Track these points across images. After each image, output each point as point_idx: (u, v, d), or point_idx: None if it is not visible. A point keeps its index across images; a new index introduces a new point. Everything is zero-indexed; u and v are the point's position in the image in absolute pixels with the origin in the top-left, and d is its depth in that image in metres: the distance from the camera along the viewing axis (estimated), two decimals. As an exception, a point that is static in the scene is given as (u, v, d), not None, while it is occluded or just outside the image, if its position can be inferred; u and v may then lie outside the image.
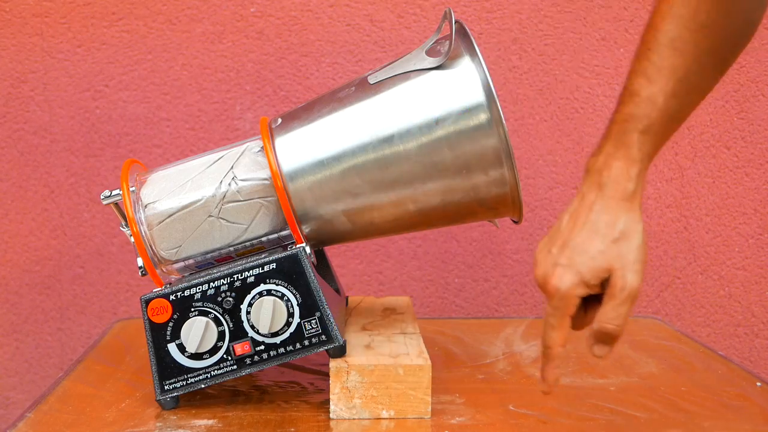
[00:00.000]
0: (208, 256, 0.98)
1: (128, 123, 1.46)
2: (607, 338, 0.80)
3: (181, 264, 0.98)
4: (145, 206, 0.96)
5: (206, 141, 1.47)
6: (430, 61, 0.95)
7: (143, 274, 0.96)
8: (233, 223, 0.96)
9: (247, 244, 0.98)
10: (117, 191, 0.97)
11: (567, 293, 0.80)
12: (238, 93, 1.46)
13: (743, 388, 1.04)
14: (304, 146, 0.95)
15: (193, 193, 0.96)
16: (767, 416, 0.96)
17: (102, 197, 0.97)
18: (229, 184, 0.96)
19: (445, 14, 0.98)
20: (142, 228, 0.96)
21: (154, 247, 0.97)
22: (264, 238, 0.98)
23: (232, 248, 0.97)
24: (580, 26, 1.47)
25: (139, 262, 0.96)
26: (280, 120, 0.99)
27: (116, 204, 0.97)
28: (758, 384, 1.05)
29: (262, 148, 0.98)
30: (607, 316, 0.79)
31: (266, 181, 0.96)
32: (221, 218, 0.96)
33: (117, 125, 1.46)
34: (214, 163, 0.98)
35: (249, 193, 0.96)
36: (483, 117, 0.92)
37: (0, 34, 1.44)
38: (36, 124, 1.46)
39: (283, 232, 0.97)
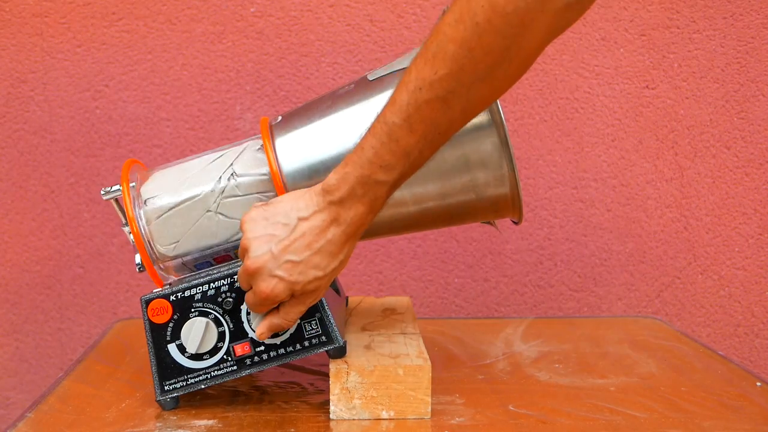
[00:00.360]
0: (207, 252, 0.98)
1: (128, 123, 1.46)
2: (278, 329, 0.91)
3: (179, 261, 0.98)
4: (145, 201, 0.96)
5: (206, 141, 1.47)
6: None
7: (141, 270, 0.97)
8: (231, 218, 0.96)
9: None
10: (117, 186, 0.97)
11: (274, 299, 0.88)
12: (238, 93, 1.46)
13: (743, 388, 1.04)
14: (304, 145, 0.95)
15: (193, 189, 0.96)
16: (767, 416, 0.96)
17: (102, 192, 0.97)
18: (228, 180, 0.96)
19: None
20: (140, 224, 0.96)
21: (152, 243, 0.97)
22: None
23: (230, 245, 0.97)
24: (580, 26, 1.47)
25: (137, 258, 0.97)
26: (280, 118, 0.99)
27: (116, 200, 0.98)
28: (758, 384, 1.05)
29: (262, 146, 0.98)
30: (290, 315, 0.90)
31: (265, 177, 0.96)
32: (219, 213, 0.96)
33: (117, 125, 1.46)
34: (213, 161, 0.98)
35: (247, 188, 0.96)
36: (483, 117, 0.92)
37: (0, 34, 1.44)
38: (36, 124, 1.46)
39: None
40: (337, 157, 0.94)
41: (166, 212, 0.96)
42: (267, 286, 0.86)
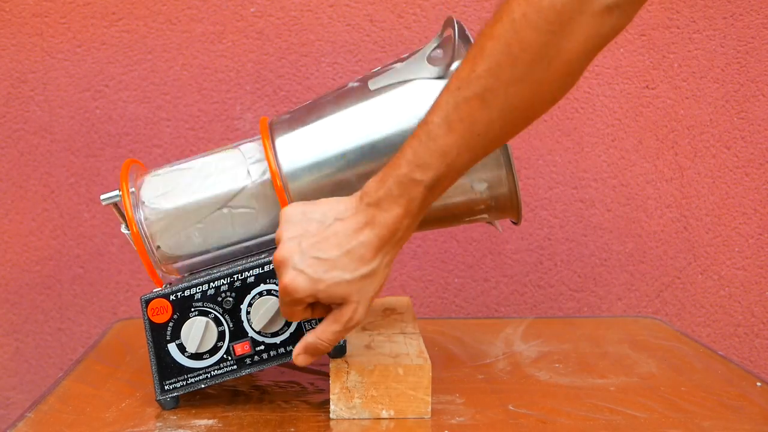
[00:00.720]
0: (209, 256, 0.98)
1: (128, 123, 1.46)
2: (315, 351, 0.87)
3: (180, 263, 0.98)
4: (145, 205, 0.96)
5: (206, 141, 1.47)
6: (431, 71, 0.95)
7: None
8: (242, 222, 0.96)
9: (251, 244, 0.98)
10: (116, 192, 0.96)
11: (297, 299, 0.84)
12: (238, 93, 1.46)
13: (743, 388, 1.04)
14: (305, 146, 0.95)
15: (195, 194, 0.96)
16: (767, 416, 0.96)
17: (102, 199, 0.97)
18: (238, 183, 0.96)
19: (447, 22, 0.98)
20: (142, 228, 0.96)
21: (153, 246, 0.97)
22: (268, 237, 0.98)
23: (237, 246, 0.97)
24: (580, 26, 1.47)
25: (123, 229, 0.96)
26: (280, 118, 0.99)
27: (116, 204, 0.97)
28: (758, 384, 1.05)
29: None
30: (324, 334, 0.86)
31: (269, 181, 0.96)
32: (230, 212, 0.96)
33: (117, 125, 1.46)
34: (217, 162, 0.98)
35: (257, 191, 0.96)
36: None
37: (0, 34, 1.44)
38: (36, 124, 1.46)
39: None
40: (338, 160, 0.94)
41: (169, 215, 0.96)
42: (287, 277, 0.84)
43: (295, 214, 0.86)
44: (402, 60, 0.99)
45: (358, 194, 0.85)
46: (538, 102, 0.80)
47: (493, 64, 0.77)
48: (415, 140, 0.82)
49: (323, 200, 0.87)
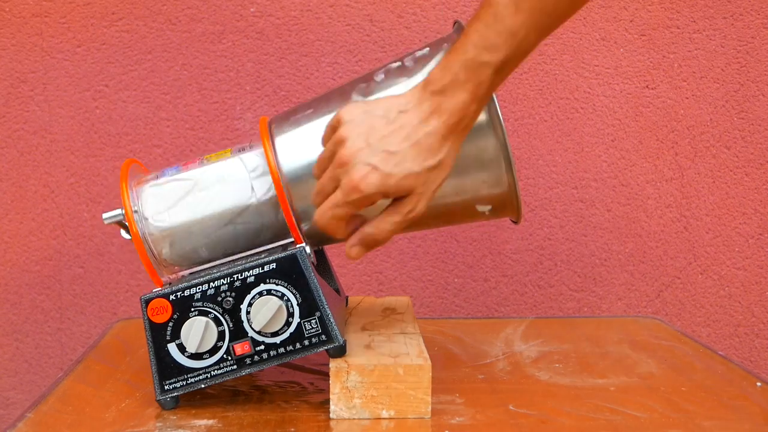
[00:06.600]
0: (215, 263, 0.98)
1: (128, 123, 1.46)
2: (372, 243, 0.85)
3: (185, 271, 0.98)
4: (149, 222, 0.96)
5: (206, 141, 1.47)
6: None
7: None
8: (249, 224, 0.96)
9: (260, 250, 0.98)
10: (119, 211, 0.96)
11: (366, 197, 0.82)
12: (238, 93, 1.46)
13: (743, 388, 1.04)
14: (305, 145, 0.95)
15: (199, 211, 0.96)
16: (767, 416, 0.96)
17: (105, 218, 0.96)
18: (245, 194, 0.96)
19: (456, 27, 0.97)
20: (147, 243, 0.96)
21: (159, 257, 0.97)
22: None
23: (243, 254, 0.97)
24: (580, 26, 1.47)
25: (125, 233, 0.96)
26: (280, 117, 0.99)
27: (119, 222, 0.97)
28: (758, 384, 1.05)
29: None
30: (384, 224, 0.84)
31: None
32: (235, 228, 0.96)
33: (117, 125, 1.46)
34: (218, 173, 0.98)
35: (262, 209, 0.96)
36: (482, 117, 0.91)
37: (0, 34, 1.44)
38: (36, 124, 1.46)
39: (285, 240, 0.97)
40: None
41: (176, 233, 0.96)
42: (359, 173, 0.81)
43: (356, 113, 0.84)
44: (411, 55, 0.99)
45: (420, 83, 0.83)
46: None
47: None
48: (479, 23, 0.80)
49: (382, 97, 0.85)
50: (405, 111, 0.83)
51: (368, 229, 0.85)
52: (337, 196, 0.84)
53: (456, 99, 0.82)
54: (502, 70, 0.82)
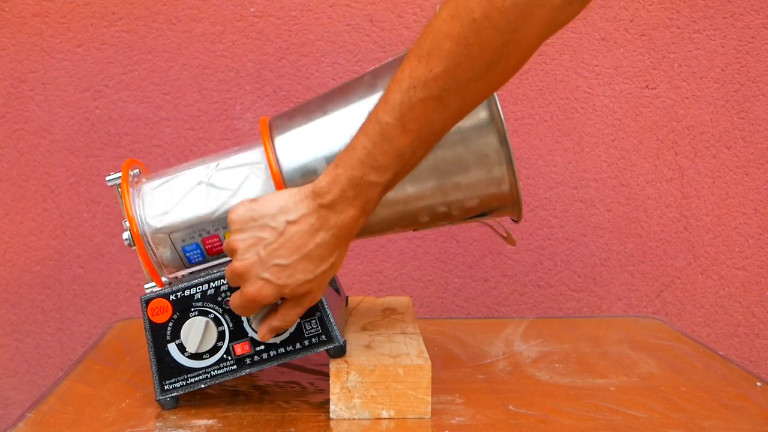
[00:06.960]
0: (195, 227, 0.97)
1: (128, 123, 1.46)
2: (280, 330, 0.90)
3: (186, 270, 0.98)
4: (151, 226, 0.96)
5: (206, 141, 1.47)
6: None
7: (130, 245, 0.96)
8: (222, 189, 0.96)
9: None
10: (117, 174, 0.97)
11: (261, 302, 0.87)
12: (238, 93, 1.46)
13: (743, 388, 1.04)
14: (305, 144, 0.95)
15: (199, 212, 0.96)
16: (767, 416, 0.96)
17: (107, 180, 0.97)
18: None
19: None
20: (149, 246, 0.96)
21: (160, 258, 0.96)
22: None
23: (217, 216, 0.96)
24: (580, 26, 1.47)
25: (125, 234, 0.96)
26: (279, 116, 0.99)
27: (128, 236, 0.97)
28: (758, 384, 1.05)
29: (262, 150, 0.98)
30: (288, 316, 0.89)
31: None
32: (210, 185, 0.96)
33: (117, 125, 1.46)
34: (217, 176, 0.98)
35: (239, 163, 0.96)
36: (483, 116, 0.91)
37: (0, 34, 1.44)
38: (36, 124, 1.46)
39: None
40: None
41: (176, 236, 0.96)
42: (254, 287, 0.85)
43: (243, 219, 0.86)
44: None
45: (307, 189, 0.84)
46: (491, 92, 0.81)
47: (452, 66, 0.76)
48: (366, 138, 0.81)
49: (267, 197, 0.87)
50: (294, 222, 0.84)
51: (275, 323, 0.89)
52: (237, 300, 0.88)
53: (344, 215, 0.83)
54: (391, 185, 0.83)
